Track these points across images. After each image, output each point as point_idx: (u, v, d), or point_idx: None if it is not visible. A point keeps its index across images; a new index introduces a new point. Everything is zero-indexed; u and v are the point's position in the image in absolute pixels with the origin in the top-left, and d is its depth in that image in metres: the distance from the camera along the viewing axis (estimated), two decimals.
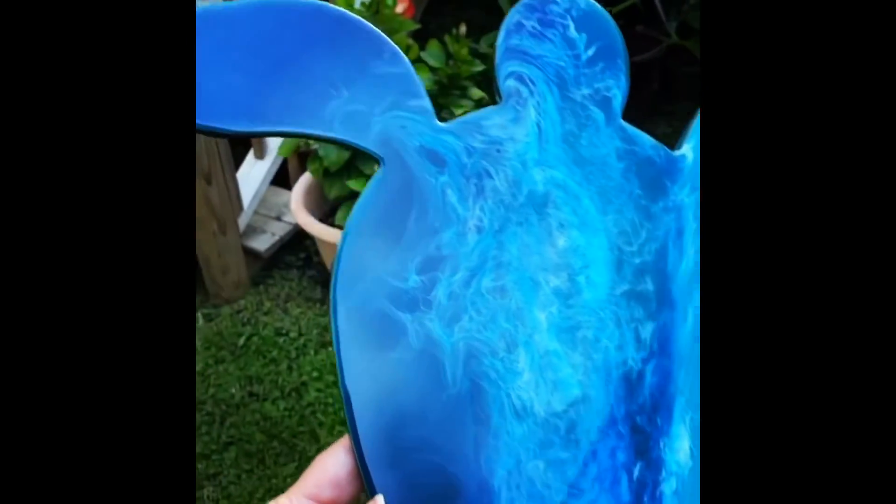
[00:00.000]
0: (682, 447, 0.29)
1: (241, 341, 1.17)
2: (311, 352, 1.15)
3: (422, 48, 1.03)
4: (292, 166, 1.32)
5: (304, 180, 1.17)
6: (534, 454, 0.27)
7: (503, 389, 0.27)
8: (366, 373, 0.27)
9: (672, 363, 0.29)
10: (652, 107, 1.59)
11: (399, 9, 1.04)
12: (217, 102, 0.26)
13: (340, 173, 1.05)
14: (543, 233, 0.29)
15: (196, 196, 1.14)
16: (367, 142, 0.28)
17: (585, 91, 0.30)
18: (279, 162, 1.30)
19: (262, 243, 1.28)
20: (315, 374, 1.11)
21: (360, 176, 1.04)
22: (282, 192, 1.36)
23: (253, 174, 1.28)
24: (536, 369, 0.28)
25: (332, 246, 1.07)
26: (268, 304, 1.24)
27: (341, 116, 0.27)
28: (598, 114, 0.30)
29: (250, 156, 1.31)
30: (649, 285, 0.29)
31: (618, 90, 0.31)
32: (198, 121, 0.26)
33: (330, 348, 1.15)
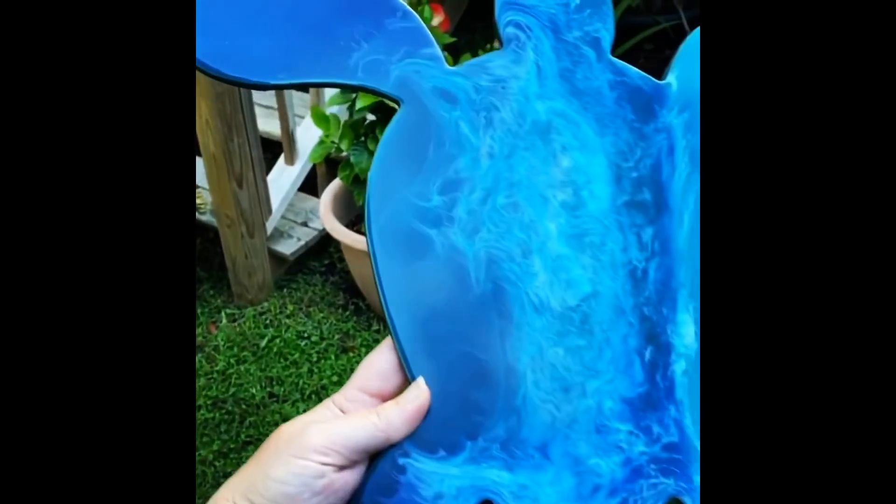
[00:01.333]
0: (687, 332, 0.32)
1: (264, 343, 1.20)
2: (332, 356, 1.18)
3: (455, 62, 1.08)
4: (321, 173, 1.36)
5: (334, 186, 1.21)
6: (553, 342, 0.31)
7: (522, 289, 0.31)
8: (400, 279, 0.30)
9: (673, 261, 0.32)
10: None
11: (435, 22, 1.09)
12: (261, 60, 0.31)
13: None
14: (548, 155, 0.33)
15: (227, 198, 1.19)
16: (387, 86, 0.32)
17: (577, 33, 0.35)
18: (308, 168, 1.34)
19: (287, 247, 1.31)
20: (335, 378, 1.13)
21: None
22: (309, 199, 1.41)
23: (283, 179, 1.32)
24: (550, 271, 0.31)
25: (357, 252, 1.11)
26: (291, 308, 1.27)
27: (363, 65, 0.32)
28: (589, 52, 0.34)
29: (281, 161, 1.35)
30: (647, 195, 0.33)
31: (605, 31, 0.35)
32: (245, 76, 0.31)
33: (351, 353, 1.19)
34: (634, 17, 1.47)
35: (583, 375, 0.31)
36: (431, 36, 0.33)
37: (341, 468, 0.27)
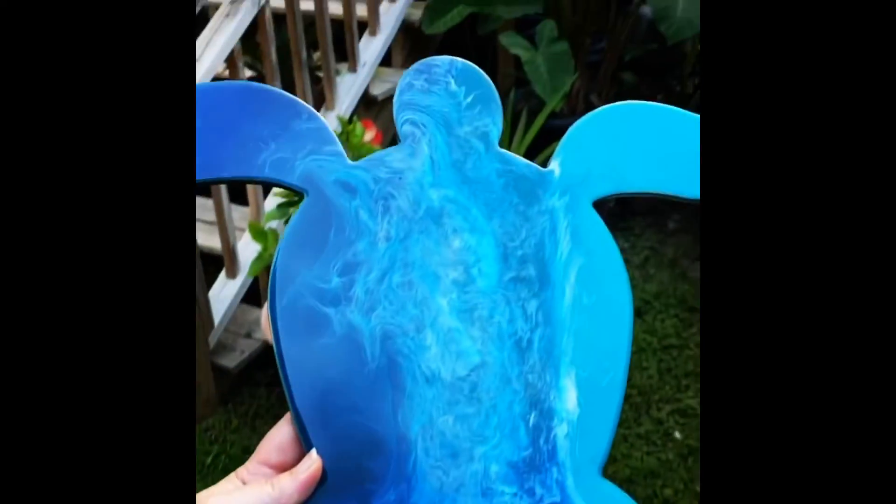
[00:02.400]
0: (569, 398, 0.34)
1: (209, 460, 1.18)
2: None
3: None
4: (263, 284, 1.37)
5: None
6: (443, 411, 0.33)
7: (414, 362, 0.34)
8: (300, 356, 0.33)
9: (555, 330, 0.35)
10: (610, 225, 1.72)
11: (367, 137, 1.16)
12: None
13: None
14: (441, 237, 0.36)
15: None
16: (292, 180, 0.36)
17: (467, 129, 0.38)
18: (250, 280, 1.35)
19: (231, 360, 1.31)
20: None
21: None
22: (252, 310, 1.41)
23: (225, 293, 1.34)
24: (442, 344, 0.34)
25: None
26: (236, 422, 1.26)
27: (270, 163, 0.36)
28: (479, 145, 0.38)
29: (222, 275, 1.36)
30: (531, 271, 0.36)
31: (494, 126, 0.39)
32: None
33: None
34: (558, 121, 1.54)
35: (471, 441, 0.33)
36: (334, 134, 0.37)
37: None
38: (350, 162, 0.37)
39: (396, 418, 0.33)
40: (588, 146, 0.38)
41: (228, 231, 1.29)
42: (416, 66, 0.39)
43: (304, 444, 0.32)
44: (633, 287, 1.25)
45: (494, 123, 0.39)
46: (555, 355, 0.35)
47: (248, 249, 1.35)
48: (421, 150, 0.38)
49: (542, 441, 0.34)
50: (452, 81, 0.39)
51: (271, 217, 1.19)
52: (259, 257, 1.14)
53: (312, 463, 0.31)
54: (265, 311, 1.29)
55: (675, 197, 0.38)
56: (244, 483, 0.31)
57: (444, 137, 0.38)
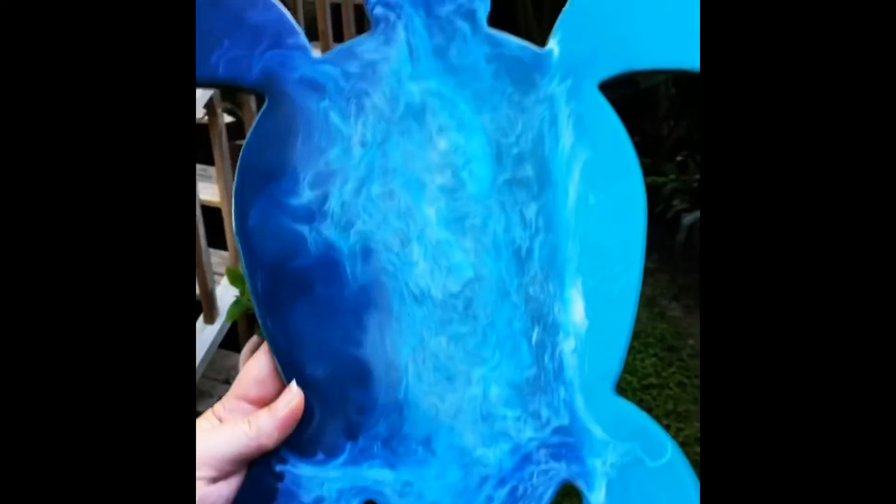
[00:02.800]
0: (576, 309, 0.31)
1: None
2: None
3: None
4: (242, 329, 1.32)
5: (252, 343, 1.19)
6: (435, 331, 0.30)
7: (401, 280, 0.30)
8: (273, 282, 0.30)
9: (558, 236, 0.31)
10: None
11: None
12: None
13: None
14: (424, 138, 0.32)
15: None
16: (250, 80, 0.31)
17: (449, 7, 0.33)
18: (229, 325, 1.30)
19: (208, 407, 1.29)
20: None
21: None
22: (231, 355, 1.36)
23: (202, 338, 1.29)
24: (430, 258, 0.30)
25: None
26: None
27: (224, 62, 0.31)
28: (464, 25, 0.33)
29: (200, 320, 1.31)
30: (529, 171, 0.32)
31: (480, 2, 0.33)
32: None
33: None
34: None
35: (467, 363, 0.30)
36: (296, 24, 0.32)
37: (213, 480, 0.27)
38: (315, 55, 0.32)
39: (384, 343, 0.30)
40: (591, 19, 0.33)
41: (206, 276, 1.24)
42: None
43: (283, 375, 0.29)
44: None
45: None
46: (558, 263, 0.31)
47: (226, 294, 1.28)
48: (396, 37, 0.32)
49: (546, 358, 0.30)
50: None
51: None
52: (237, 302, 1.11)
53: (293, 398, 0.28)
54: (244, 357, 1.28)
55: (677, 70, 0.33)
56: (220, 421, 0.29)
57: (422, 19, 0.33)
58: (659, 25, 0.32)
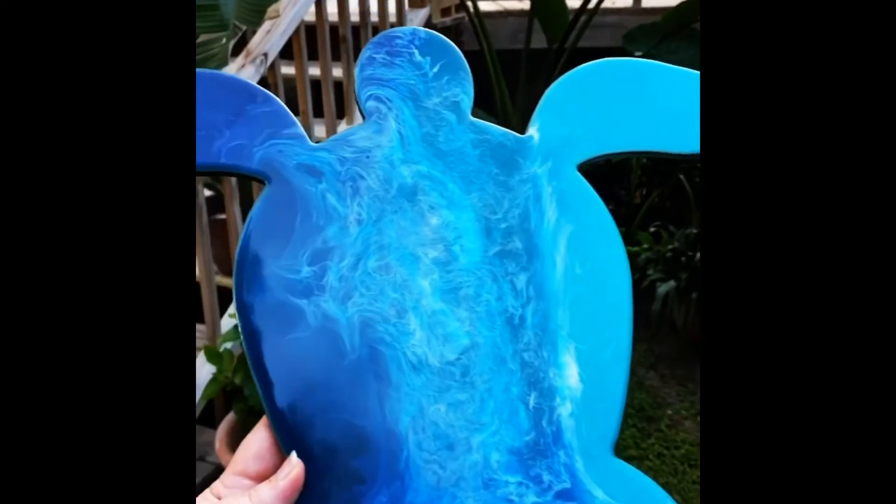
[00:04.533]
0: (570, 374, 0.31)
1: None
2: None
3: None
4: (218, 406, 1.32)
5: (229, 421, 1.19)
6: (434, 399, 0.30)
7: (399, 349, 0.31)
8: (273, 354, 0.30)
9: (548, 304, 0.32)
10: None
11: None
12: None
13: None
14: (417, 216, 0.33)
15: None
16: (251, 167, 0.33)
17: (436, 100, 0.36)
18: (204, 403, 1.29)
19: None
20: None
21: None
22: (207, 432, 1.36)
23: None
24: (427, 327, 0.31)
25: None
26: None
27: (226, 151, 0.33)
28: (450, 116, 0.36)
29: None
30: (518, 244, 0.33)
31: (464, 95, 0.36)
32: None
33: None
34: None
35: (467, 430, 0.30)
36: (292, 116, 0.34)
37: None
38: (312, 144, 0.34)
39: (383, 411, 0.30)
40: (567, 107, 0.36)
41: None
42: (375, 39, 0.37)
43: (283, 448, 0.29)
44: None
45: (465, 92, 0.36)
46: (550, 330, 0.32)
47: (202, 370, 1.27)
48: (388, 126, 0.35)
49: (544, 423, 0.31)
50: (416, 52, 0.37)
51: (228, 338, 1.16)
52: (214, 380, 1.11)
53: (293, 468, 0.28)
54: (220, 434, 1.26)
55: (670, 154, 0.35)
56: (219, 499, 0.28)
57: (411, 111, 0.35)
58: (631, 112, 0.35)
